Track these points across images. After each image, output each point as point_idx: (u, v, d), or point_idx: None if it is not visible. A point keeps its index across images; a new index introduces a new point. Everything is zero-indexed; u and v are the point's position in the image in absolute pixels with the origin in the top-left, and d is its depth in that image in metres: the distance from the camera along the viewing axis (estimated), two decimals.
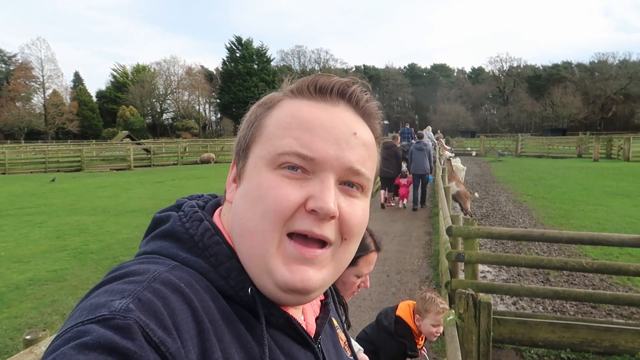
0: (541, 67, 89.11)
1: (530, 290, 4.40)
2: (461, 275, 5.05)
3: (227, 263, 0.58)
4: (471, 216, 8.87)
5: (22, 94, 60.44)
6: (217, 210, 0.68)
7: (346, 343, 0.82)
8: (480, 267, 5.82)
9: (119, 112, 67.17)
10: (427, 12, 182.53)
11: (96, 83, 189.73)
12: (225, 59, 76.98)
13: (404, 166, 12.02)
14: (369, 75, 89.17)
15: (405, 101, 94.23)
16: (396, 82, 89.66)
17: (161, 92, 76.66)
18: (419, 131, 14.70)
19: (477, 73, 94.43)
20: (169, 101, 78.01)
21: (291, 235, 0.57)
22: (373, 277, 6.09)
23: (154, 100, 75.73)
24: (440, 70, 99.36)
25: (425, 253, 7.51)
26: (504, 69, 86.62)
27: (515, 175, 18.95)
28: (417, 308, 2.53)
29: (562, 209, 11.03)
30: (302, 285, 0.56)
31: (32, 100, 62.74)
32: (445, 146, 22.44)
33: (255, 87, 71.92)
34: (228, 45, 76.77)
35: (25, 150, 32.90)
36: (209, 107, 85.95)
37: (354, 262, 1.34)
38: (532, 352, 4.28)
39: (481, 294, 3.15)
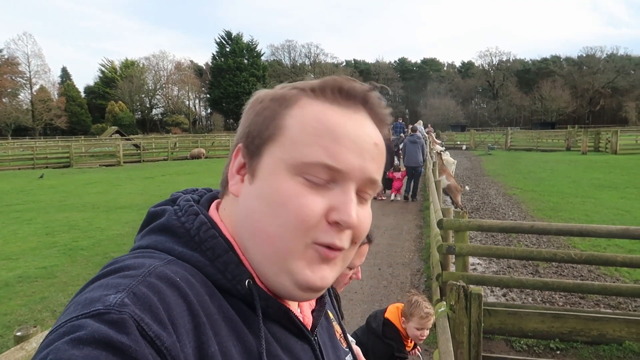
0: (530, 61, 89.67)
1: (520, 282, 4.45)
2: (452, 268, 5.09)
3: (224, 256, 0.57)
4: (462, 209, 8.92)
5: (9, 90, 59.30)
6: (214, 204, 0.68)
7: (342, 335, 0.82)
8: (471, 259, 5.87)
9: (108, 108, 66.15)
10: (417, 7, 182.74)
11: (84, 79, 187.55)
12: (215, 53, 76.41)
13: (396, 160, 12.07)
14: (360, 69, 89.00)
15: (396, 95, 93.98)
16: (386, 77, 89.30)
17: (150, 87, 75.74)
18: (413, 125, 14.75)
19: (467, 67, 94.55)
20: (158, 96, 77.12)
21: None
22: (365, 270, 6.13)
23: (143, 95, 74.83)
24: (431, 64, 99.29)
25: (416, 246, 7.57)
26: (494, 63, 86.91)
27: (505, 169, 19.10)
28: (403, 311, 2.57)
29: (551, 201, 11.16)
30: (321, 284, 0.58)
31: (19, 96, 61.74)
32: (436, 140, 22.53)
33: (246, 82, 71.58)
34: (218, 40, 76.25)
35: (13, 147, 32.29)
36: (199, 102, 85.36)
37: None
38: (522, 342, 4.34)
39: (472, 286, 3.18)
